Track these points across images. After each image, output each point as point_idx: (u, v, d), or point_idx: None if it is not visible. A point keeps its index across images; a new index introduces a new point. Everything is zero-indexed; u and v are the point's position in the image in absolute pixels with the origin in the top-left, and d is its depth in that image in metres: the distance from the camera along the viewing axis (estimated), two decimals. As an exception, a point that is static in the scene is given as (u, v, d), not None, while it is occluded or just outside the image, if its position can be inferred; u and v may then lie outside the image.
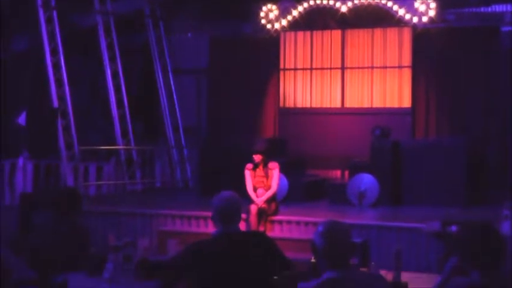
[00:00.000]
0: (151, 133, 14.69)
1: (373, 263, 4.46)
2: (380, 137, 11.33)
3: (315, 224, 9.03)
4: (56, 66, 12.56)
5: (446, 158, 10.78)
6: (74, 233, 5.01)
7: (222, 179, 11.05)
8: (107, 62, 13.49)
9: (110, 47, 13.55)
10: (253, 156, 9.26)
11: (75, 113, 12.59)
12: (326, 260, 3.37)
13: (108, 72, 13.50)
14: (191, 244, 4.28)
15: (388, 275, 4.60)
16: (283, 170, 10.52)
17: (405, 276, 4.76)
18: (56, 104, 12.37)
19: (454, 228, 6.64)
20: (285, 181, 11.13)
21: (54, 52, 12.56)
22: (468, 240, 3.46)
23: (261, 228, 9.09)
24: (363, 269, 4.65)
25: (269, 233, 9.15)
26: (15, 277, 4.19)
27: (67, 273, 4.65)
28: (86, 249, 4.96)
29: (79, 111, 14.17)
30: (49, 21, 12.59)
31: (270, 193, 9.24)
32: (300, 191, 11.39)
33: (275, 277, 4.06)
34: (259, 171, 9.31)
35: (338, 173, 12.89)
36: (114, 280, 4.49)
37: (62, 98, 12.53)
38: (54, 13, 12.61)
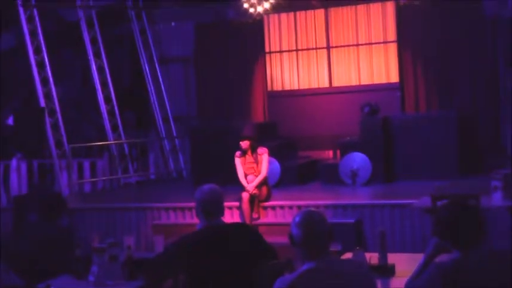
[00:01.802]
0: (143, 125, 14.66)
1: (357, 248, 4.44)
2: (369, 114, 11.30)
3: (308, 207, 8.95)
4: (41, 65, 12.50)
5: (438, 130, 10.81)
6: (58, 237, 5.00)
7: (215, 166, 11.20)
8: (91, 57, 13.43)
9: (94, 41, 13.49)
10: (240, 142, 9.28)
11: (69, 107, 12.56)
12: (304, 251, 3.38)
13: (94, 67, 13.43)
14: (176, 240, 4.29)
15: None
16: (275, 154, 10.75)
17: (394, 258, 4.71)
18: (42, 103, 12.33)
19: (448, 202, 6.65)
20: (277, 165, 11.11)
21: (37, 50, 12.50)
22: (446, 219, 3.46)
23: (255, 215, 9.19)
24: (350, 254, 4.63)
25: (263, 219, 9.33)
26: (1, 285, 4.21)
27: (53, 278, 4.64)
28: (72, 251, 4.92)
29: (74, 105, 14.17)
30: (30, 19, 12.53)
31: (260, 178, 9.25)
32: (293, 174, 11.35)
33: (260, 267, 4.06)
34: (249, 157, 9.34)
35: (330, 153, 12.86)
36: (100, 283, 4.48)
37: (48, 96, 12.48)
38: (35, 11, 12.53)
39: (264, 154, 9.30)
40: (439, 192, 7.31)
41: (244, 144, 9.23)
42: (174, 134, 14.39)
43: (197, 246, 4.21)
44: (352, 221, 8.83)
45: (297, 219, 3.40)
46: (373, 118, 11.26)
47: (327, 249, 3.40)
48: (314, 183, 11.35)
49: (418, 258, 3.79)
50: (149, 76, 14.34)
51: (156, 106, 14.35)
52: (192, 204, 8.77)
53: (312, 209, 3.52)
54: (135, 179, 13.43)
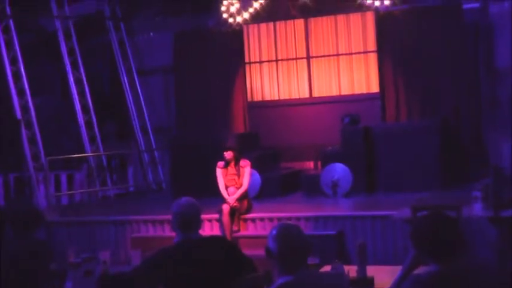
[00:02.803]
0: (123, 136, 14.61)
1: (336, 261, 4.42)
2: (350, 124, 11.33)
3: (289, 219, 9.08)
4: (17, 76, 12.42)
5: (419, 140, 10.80)
6: (33, 250, 4.87)
7: (195, 178, 11.16)
8: (69, 68, 13.37)
9: (71, 52, 13.43)
10: (224, 153, 9.28)
11: (49, 119, 12.48)
12: (281, 264, 3.36)
13: (71, 78, 13.38)
14: (153, 253, 4.26)
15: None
16: (256, 165, 10.69)
17: (374, 270, 4.70)
18: (19, 115, 12.24)
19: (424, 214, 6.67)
20: (258, 177, 11.09)
21: (13, 61, 12.43)
22: (421, 231, 3.41)
23: (235, 228, 9.19)
24: (329, 267, 4.60)
25: (243, 232, 9.31)
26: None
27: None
28: (46, 266, 4.86)
29: (53, 117, 14.06)
30: (6, 30, 12.45)
31: (241, 191, 9.26)
32: (275, 185, 11.34)
33: (238, 280, 4.09)
34: (231, 169, 9.34)
35: (312, 164, 12.85)
36: (74, 299, 4.43)
37: (25, 108, 12.40)
38: (11, 22, 12.47)
39: (246, 167, 9.32)
40: (420, 204, 7.30)
41: (228, 154, 9.23)
42: (154, 146, 14.34)
43: (174, 259, 4.14)
44: (333, 232, 8.82)
45: (274, 232, 3.40)
46: (354, 128, 11.27)
47: (304, 262, 3.38)
48: (296, 194, 11.32)
49: (398, 270, 3.75)
50: (128, 87, 14.34)
51: (135, 117, 14.33)
52: (170, 216, 8.84)
53: (289, 222, 3.51)
54: (113, 192, 13.43)
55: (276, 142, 12.88)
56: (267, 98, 13.47)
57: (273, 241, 3.37)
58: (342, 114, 11.58)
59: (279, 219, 9.13)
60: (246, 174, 9.30)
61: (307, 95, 13.19)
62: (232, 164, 9.30)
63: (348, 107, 12.13)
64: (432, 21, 12.18)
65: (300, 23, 13.14)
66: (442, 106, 12.18)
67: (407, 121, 12.22)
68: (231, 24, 12.28)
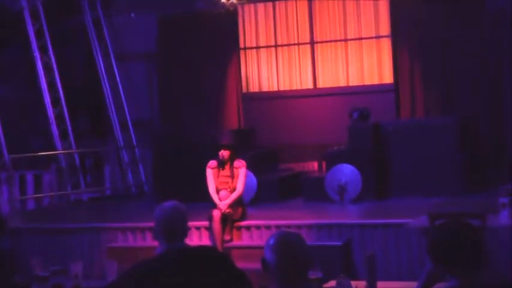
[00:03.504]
0: (99, 132, 14.53)
1: (342, 275, 4.41)
2: (359, 120, 11.25)
3: (288, 227, 9.04)
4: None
5: (437, 139, 10.80)
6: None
7: (181, 180, 11.13)
8: (37, 53, 13.28)
9: (40, 35, 13.33)
10: (220, 152, 9.22)
11: (13, 111, 12.43)
12: (279, 278, 3.35)
13: (39, 64, 13.29)
14: (131, 266, 4.16)
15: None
16: (252, 166, 10.59)
17: (385, 286, 4.72)
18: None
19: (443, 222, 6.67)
20: (254, 179, 11.03)
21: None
22: (438, 242, 3.42)
23: (227, 237, 9.09)
24: (334, 281, 4.60)
25: (236, 242, 9.28)
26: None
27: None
28: (9, 278, 4.87)
29: (18, 109, 14.05)
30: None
31: (235, 195, 9.21)
32: (272, 189, 11.31)
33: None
34: (225, 170, 9.30)
35: (315, 165, 12.81)
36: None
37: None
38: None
39: (241, 168, 9.27)
40: (438, 210, 7.30)
41: (225, 153, 9.19)
42: (134, 143, 14.27)
43: (156, 273, 4.02)
44: (339, 243, 8.81)
45: (271, 241, 3.37)
46: (363, 125, 11.22)
47: (305, 276, 3.36)
48: (296, 199, 11.31)
49: (412, 286, 3.78)
50: (105, 75, 14.30)
51: (113, 110, 14.24)
52: (152, 224, 8.87)
53: (288, 229, 3.48)
54: (87, 195, 13.36)
55: (274, 140, 12.83)
56: (265, 88, 13.52)
57: (270, 251, 3.35)
58: (349, 109, 11.46)
59: (278, 227, 9.07)
60: (241, 176, 9.24)
61: (310, 86, 13.23)
62: (228, 164, 9.27)
63: (356, 100, 12.03)
64: (453, 6, 12.18)
65: (303, 3, 13.20)
66: (462, 101, 12.24)
67: (424, 117, 12.24)
68: (223, 4, 12.27)
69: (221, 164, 9.28)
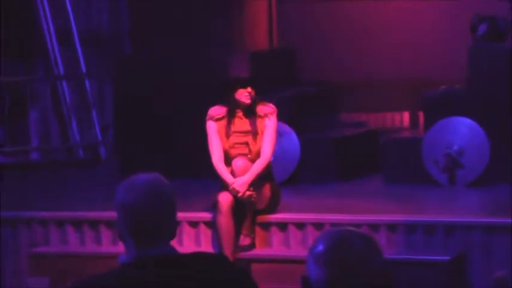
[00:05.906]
0: (24, 52, 11.47)
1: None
2: (487, 38, 9.16)
3: (355, 226, 7.74)
4: None
5: None
6: None
7: (161, 139, 9.61)
8: None
9: None
10: (238, 91, 7.54)
11: None
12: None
13: None
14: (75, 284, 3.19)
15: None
16: (291, 117, 9.32)
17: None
18: None
19: None
20: (295, 140, 9.17)
21: None
22: None
23: (245, 241, 7.70)
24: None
25: (260, 248, 7.84)
26: None
27: None
28: None
29: None
30: None
31: (258, 167, 7.60)
32: (327, 160, 9.33)
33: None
34: (241, 123, 7.72)
35: (405, 117, 10.67)
36: None
37: None
38: None
39: (270, 117, 7.68)
40: None
41: (246, 95, 7.54)
42: (83, 70, 10.96)
43: None
44: (445, 258, 7.59)
45: (319, 247, 2.65)
46: (495, 47, 9.27)
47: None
48: (370, 179, 9.40)
49: None
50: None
51: (48, 17, 11.05)
52: (113, 214, 6.66)
53: (353, 229, 2.65)
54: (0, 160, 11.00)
55: (329, 71, 10.45)
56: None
57: (318, 264, 2.62)
58: (470, 17, 9.18)
59: (333, 224, 7.80)
60: (270, 132, 7.56)
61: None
62: (241, 112, 7.55)
63: (482, 3, 9.67)
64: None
65: None
66: None
67: None
68: None
69: (232, 112, 7.57)
